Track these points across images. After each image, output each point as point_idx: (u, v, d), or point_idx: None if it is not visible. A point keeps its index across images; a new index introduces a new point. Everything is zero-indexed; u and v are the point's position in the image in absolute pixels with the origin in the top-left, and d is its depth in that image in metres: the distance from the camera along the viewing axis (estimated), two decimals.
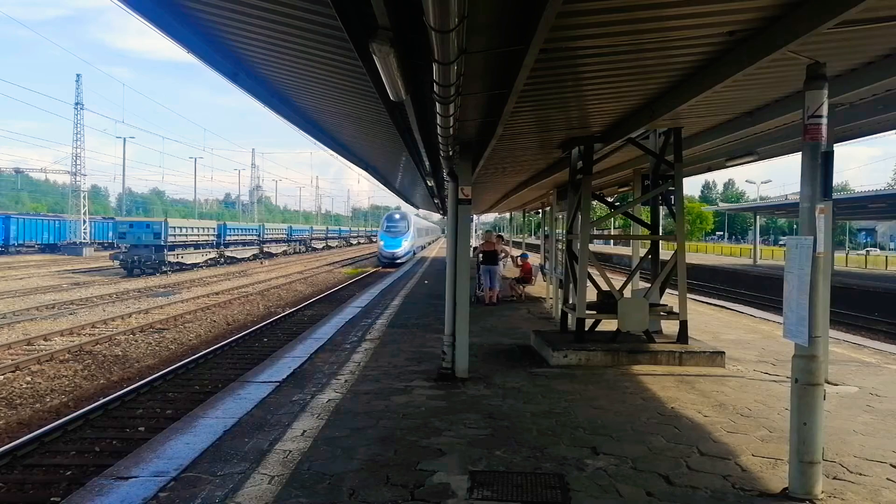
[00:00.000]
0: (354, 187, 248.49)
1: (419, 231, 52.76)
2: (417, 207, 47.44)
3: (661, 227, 10.19)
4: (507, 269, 20.02)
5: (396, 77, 4.58)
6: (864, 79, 5.58)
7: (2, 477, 6.95)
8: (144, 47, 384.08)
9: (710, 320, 13.43)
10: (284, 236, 61.69)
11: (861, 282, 28.01)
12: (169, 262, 35.28)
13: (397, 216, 44.24)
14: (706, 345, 9.24)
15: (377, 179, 22.37)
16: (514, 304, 15.92)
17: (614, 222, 53.56)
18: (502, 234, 26.64)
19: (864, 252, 60.00)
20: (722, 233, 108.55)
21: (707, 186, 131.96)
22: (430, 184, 17.41)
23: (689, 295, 10.44)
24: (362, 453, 5.13)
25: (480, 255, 16.04)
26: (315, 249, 69.79)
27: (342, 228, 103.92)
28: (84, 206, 55.66)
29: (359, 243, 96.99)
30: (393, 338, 10.80)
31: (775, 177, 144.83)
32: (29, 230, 51.81)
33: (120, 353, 13.95)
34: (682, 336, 9.05)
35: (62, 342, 14.66)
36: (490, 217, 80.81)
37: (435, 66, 4.05)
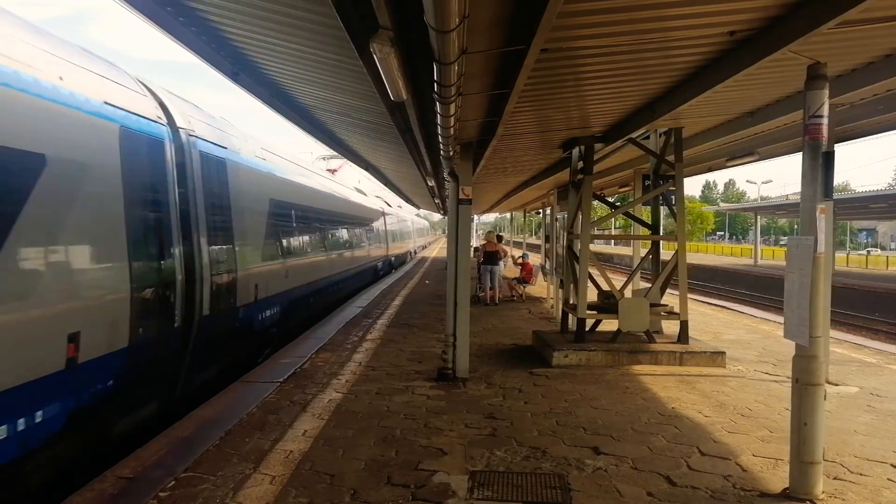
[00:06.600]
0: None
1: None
2: (418, 207, 47.46)
3: (661, 227, 10.18)
4: (507, 268, 20.01)
5: (397, 77, 4.59)
6: (864, 79, 5.58)
7: None
8: (144, 47, 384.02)
9: (710, 320, 13.42)
10: None
11: (862, 282, 28.01)
12: None
13: None
14: (707, 345, 9.24)
15: (377, 179, 22.41)
16: (514, 304, 15.92)
17: (615, 222, 53.53)
18: (502, 234, 26.60)
19: (864, 252, 60.00)
20: (723, 233, 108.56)
21: (708, 186, 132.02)
22: (430, 184, 17.43)
23: (689, 295, 10.43)
24: (363, 453, 5.13)
25: (482, 256, 16.02)
26: None
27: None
28: None
29: None
30: (394, 338, 10.79)
31: (776, 177, 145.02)
32: None
33: None
34: (683, 336, 9.04)
35: None
36: (491, 217, 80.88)
37: (436, 66, 4.05)
